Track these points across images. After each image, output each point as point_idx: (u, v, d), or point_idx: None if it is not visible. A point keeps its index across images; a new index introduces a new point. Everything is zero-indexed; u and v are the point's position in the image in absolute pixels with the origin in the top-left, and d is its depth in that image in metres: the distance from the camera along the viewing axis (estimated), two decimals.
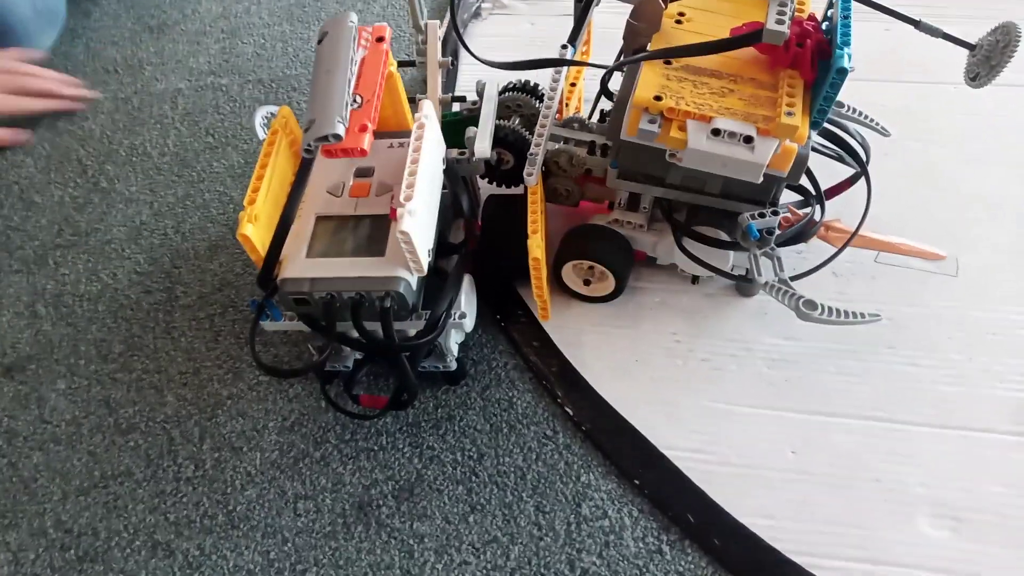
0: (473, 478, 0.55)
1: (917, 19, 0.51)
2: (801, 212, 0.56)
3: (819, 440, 0.54)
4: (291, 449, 0.57)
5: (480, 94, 0.58)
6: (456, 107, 0.62)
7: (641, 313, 0.62)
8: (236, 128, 0.81)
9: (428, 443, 0.57)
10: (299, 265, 0.48)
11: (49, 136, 0.82)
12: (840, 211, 0.59)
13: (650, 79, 0.50)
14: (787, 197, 0.56)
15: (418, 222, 0.45)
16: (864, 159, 0.58)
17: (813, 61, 0.48)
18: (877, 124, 0.63)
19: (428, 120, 0.48)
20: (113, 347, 0.64)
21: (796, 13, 0.52)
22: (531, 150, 0.54)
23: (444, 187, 0.54)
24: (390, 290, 0.46)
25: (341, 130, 0.43)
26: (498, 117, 0.58)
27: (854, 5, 0.49)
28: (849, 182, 0.59)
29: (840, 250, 0.56)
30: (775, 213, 0.51)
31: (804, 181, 0.55)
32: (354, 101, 0.45)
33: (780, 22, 0.45)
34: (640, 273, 0.63)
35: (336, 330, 0.48)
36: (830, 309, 0.52)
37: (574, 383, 0.58)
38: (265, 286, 0.48)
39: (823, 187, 0.58)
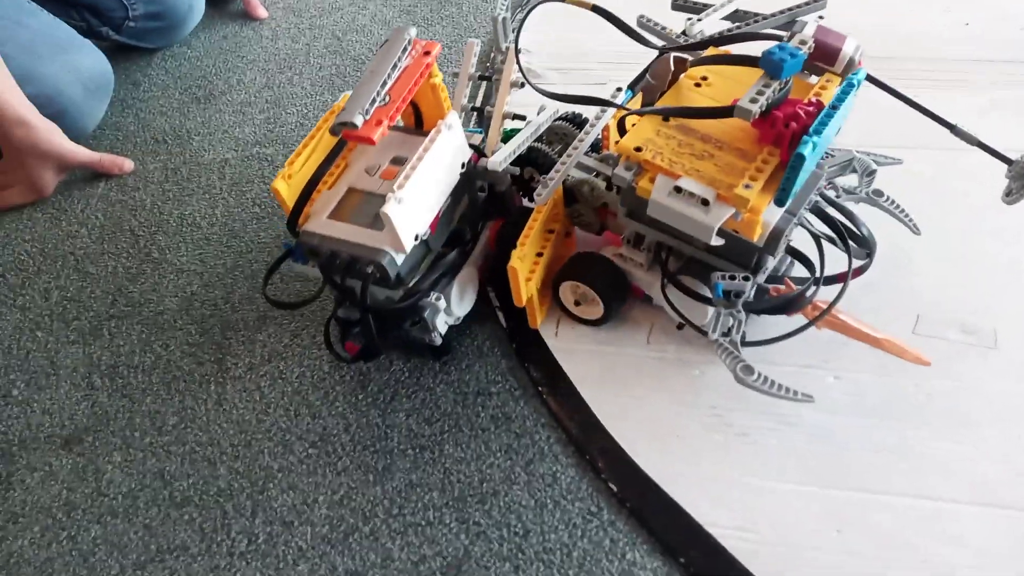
0: (520, 555, 0.56)
1: (953, 123, 0.52)
2: (796, 287, 0.58)
3: (863, 519, 0.55)
4: (341, 523, 0.59)
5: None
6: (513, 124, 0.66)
7: (680, 385, 0.63)
8: None
9: (474, 518, 0.58)
10: (318, 222, 0.56)
11: (103, 207, 0.86)
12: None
13: (641, 131, 0.54)
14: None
15: (404, 209, 0.52)
16: (870, 250, 0.59)
17: (793, 142, 0.50)
18: (910, 220, 0.64)
19: (447, 128, 0.55)
20: (167, 419, 0.66)
21: (817, 94, 0.54)
22: (550, 174, 0.58)
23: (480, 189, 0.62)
24: (374, 260, 0.54)
25: (359, 121, 0.51)
26: (545, 141, 0.65)
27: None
28: (857, 272, 0.59)
29: (807, 326, 0.58)
30: (746, 279, 0.53)
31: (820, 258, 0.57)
32: (384, 99, 0.53)
33: (754, 101, 0.47)
34: (680, 344, 0.64)
35: (339, 282, 0.56)
36: (765, 379, 0.55)
37: (617, 458, 0.59)
38: (291, 231, 0.57)
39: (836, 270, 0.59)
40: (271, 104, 0.96)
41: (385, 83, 0.53)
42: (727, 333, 0.58)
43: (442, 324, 0.62)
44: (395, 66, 0.54)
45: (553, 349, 0.66)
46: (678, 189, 0.51)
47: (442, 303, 0.59)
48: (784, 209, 0.52)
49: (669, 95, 0.58)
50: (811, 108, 0.50)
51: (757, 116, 0.48)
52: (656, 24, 0.65)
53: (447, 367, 0.66)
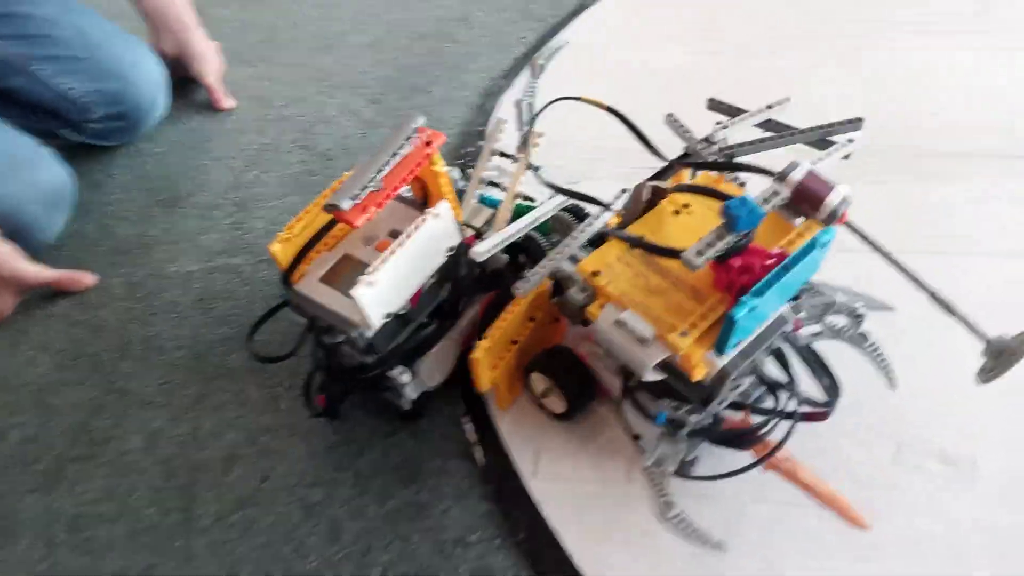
0: None
1: (932, 290, 0.51)
2: (752, 422, 0.57)
3: None
4: None
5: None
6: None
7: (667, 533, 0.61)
8: (250, 316, 0.81)
9: None
10: (309, 284, 0.59)
11: (63, 329, 0.83)
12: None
13: (604, 254, 0.55)
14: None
15: (376, 291, 0.54)
16: (833, 399, 0.58)
17: (739, 294, 0.48)
18: (889, 370, 0.63)
19: (434, 217, 0.57)
20: None
21: (792, 240, 0.53)
22: (534, 268, 0.58)
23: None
24: (346, 330, 0.57)
25: (347, 205, 0.52)
26: (546, 230, 0.66)
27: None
28: (813, 416, 0.59)
29: (750, 466, 0.57)
30: (690, 412, 0.54)
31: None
32: (377, 185, 0.54)
33: (699, 253, 0.47)
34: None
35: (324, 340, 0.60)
36: (683, 520, 0.57)
37: None
38: (285, 286, 0.61)
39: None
40: (237, 207, 0.93)
41: (382, 169, 0.54)
42: (659, 463, 0.57)
43: (412, 392, 0.64)
44: (395, 153, 0.55)
45: (532, 491, 0.64)
46: (620, 322, 0.52)
47: (406, 377, 0.62)
48: (735, 352, 0.51)
49: (646, 219, 0.57)
50: (771, 262, 0.48)
51: (700, 268, 0.47)
52: (683, 126, 0.64)
53: (425, 512, 0.64)
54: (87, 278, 0.86)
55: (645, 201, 0.59)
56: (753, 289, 0.46)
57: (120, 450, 0.72)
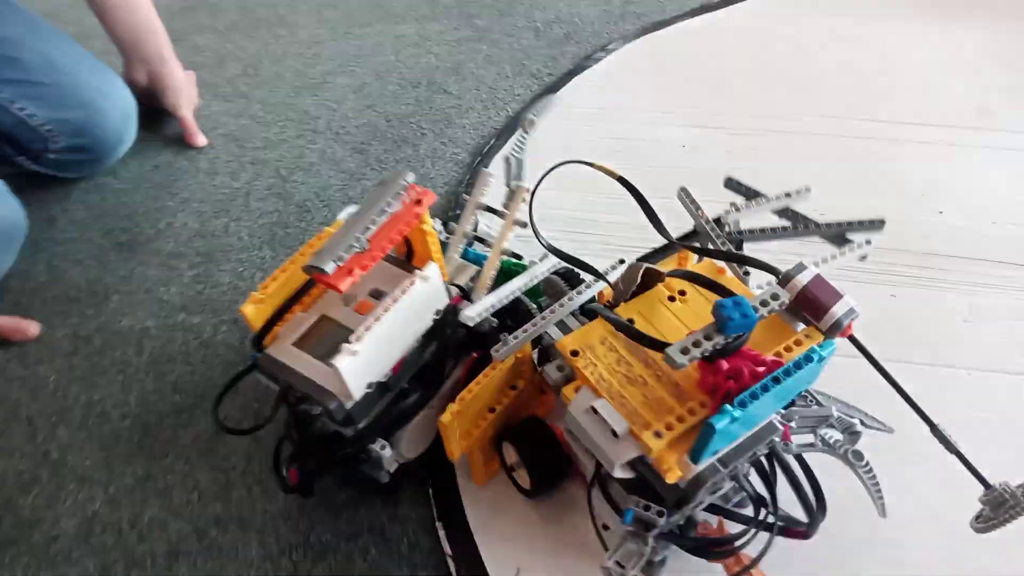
0: None
1: (935, 422, 0.48)
2: (725, 532, 0.54)
3: None
4: None
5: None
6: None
7: None
8: (207, 385, 0.74)
9: None
10: (282, 348, 0.54)
11: None
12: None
13: (588, 333, 0.52)
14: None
15: (359, 361, 0.50)
16: (813, 519, 0.54)
17: (723, 400, 0.45)
18: (880, 499, 0.58)
19: (422, 280, 0.53)
20: None
21: (789, 348, 0.49)
22: (516, 333, 0.55)
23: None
24: (323, 400, 0.52)
25: (330, 268, 0.49)
26: (536, 292, 0.63)
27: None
28: (803, 534, 0.55)
29: None
30: (659, 514, 0.50)
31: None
32: (363, 246, 0.50)
33: (683, 351, 0.44)
34: None
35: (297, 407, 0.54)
36: None
37: None
38: (255, 348, 0.55)
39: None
40: (203, 258, 0.87)
41: (368, 227, 0.51)
42: (621, 565, 0.52)
43: (390, 464, 0.59)
44: (383, 211, 0.51)
45: None
46: (594, 410, 0.48)
47: (387, 452, 0.57)
48: (714, 458, 0.47)
49: (639, 300, 0.54)
50: (762, 369, 0.45)
51: (683, 368, 0.44)
52: (694, 202, 0.60)
53: None
54: (31, 328, 0.79)
55: (639, 281, 0.55)
56: (739, 398, 0.43)
57: (49, 535, 0.65)
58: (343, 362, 0.49)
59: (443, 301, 0.57)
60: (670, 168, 0.71)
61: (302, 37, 1.20)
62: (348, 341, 0.49)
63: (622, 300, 0.54)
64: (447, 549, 0.61)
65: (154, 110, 1.01)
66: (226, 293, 0.83)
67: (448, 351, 0.60)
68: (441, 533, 0.62)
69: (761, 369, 0.45)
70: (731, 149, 0.95)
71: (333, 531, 0.63)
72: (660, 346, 0.47)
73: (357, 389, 0.52)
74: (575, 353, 0.51)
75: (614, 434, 0.47)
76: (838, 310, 0.48)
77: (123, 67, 0.99)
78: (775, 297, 0.47)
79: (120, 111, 0.93)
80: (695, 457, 0.45)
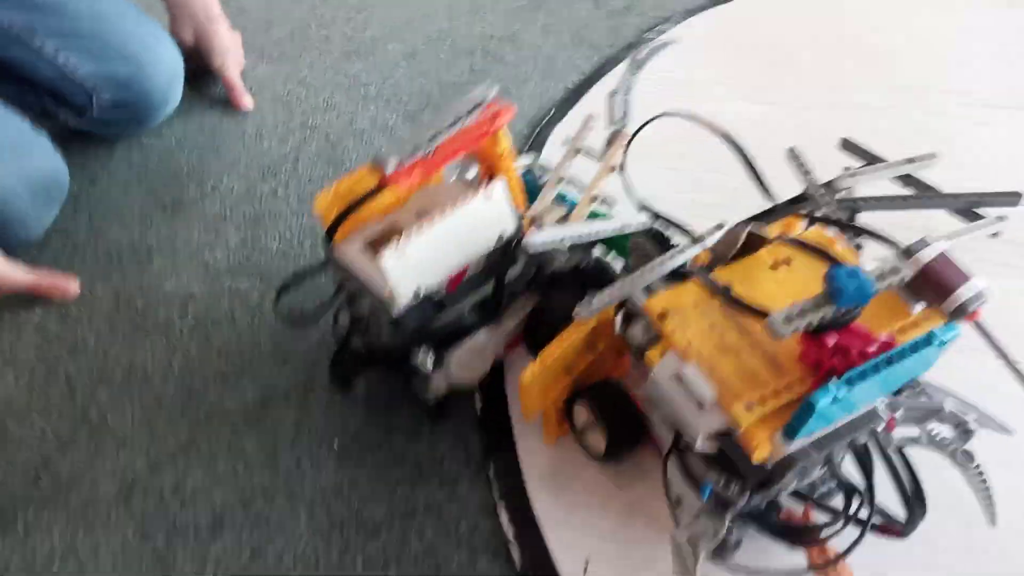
0: None
1: None
2: (813, 520, 0.50)
3: None
4: None
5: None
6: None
7: None
8: (253, 352, 0.71)
9: None
10: (350, 247, 0.55)
11: (36, 343, 0.72)
12: None
13: (679, 295, 0.48)
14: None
15: (404, 264, 0.50)
16: (912, 517, 0.50)
17: (825, 378, 0.41)
18: (991, 505, 0.53)
19: (486, 198, 0.52)
20: None
21: (906, 328, 0.45)
22: (601, 292, 0.50)
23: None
24: (374, 298, 0.53)
25: (390, 166, 0.51)
26: (624, 254, 0.62)
27: None
28: (898, 532, 0.52)
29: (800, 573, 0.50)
30: (742, 492, 0.46)
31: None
32: (428, 152, 0.51)
33: (788, 320, 0.40)
34: None
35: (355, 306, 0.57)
36: None
37: None
38: (327, 239, 0.56)
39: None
40: (250, 222, 0.83)
41: (438, 135, 0.51)
42: (693, 540, 0.48)
43: (438, 383, 0.58)
44: (457, 121, 0.52)
45: None
46: (679, 377, 0.45)
47: (430, 362, 0.56)
48: (809, 440, 0.43)
49: (738, 266, 0.50)
50: (872, 349, 0.41)
51: (784, 339, 0.40)
52: (804, 164, 0.56)
53: None
54: (71, 285, 0.76)
55: (739, 245, 0.51)
56: (845, 376, 0.39)
57: (87, 497, 0.61)
58: (387, 260, 0.49)
59: (509, 226, 0.56)
60: (730, 183, 0.68)
61: (351, 2, 1.16)
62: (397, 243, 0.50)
63: (721, 263, 0.50)
64: (508, 535, 0.57)
65: (200, 70, 0.97)
66: (274, 259, 0.79)
67: (510, 281, 0.58)
68: (503, 517, 0.58)
69: (871, 348, 0.41)
70: (801, 124, 0.90)
71: (388, 508, 0.59)
72: (761, 314, 0.43)
73: (402, 292, 0.52)
74: (664, 315, 0.47)
75: (700, 403, 0.44)
76: (965, 292, 0.44)
77: (168, 25, 0.95)
78: (895, 271, 0.43)
79: (167, 68, 0.89)
80: (790, 435, 0.41)
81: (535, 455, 0.61)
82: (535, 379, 0.52)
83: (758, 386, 0.43)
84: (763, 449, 0.42)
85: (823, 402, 0.38)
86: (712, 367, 0.44)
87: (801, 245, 0.50)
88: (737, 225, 0.51)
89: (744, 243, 0.50)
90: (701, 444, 0.44)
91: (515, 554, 0.56)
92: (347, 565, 0.56)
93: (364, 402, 0.66)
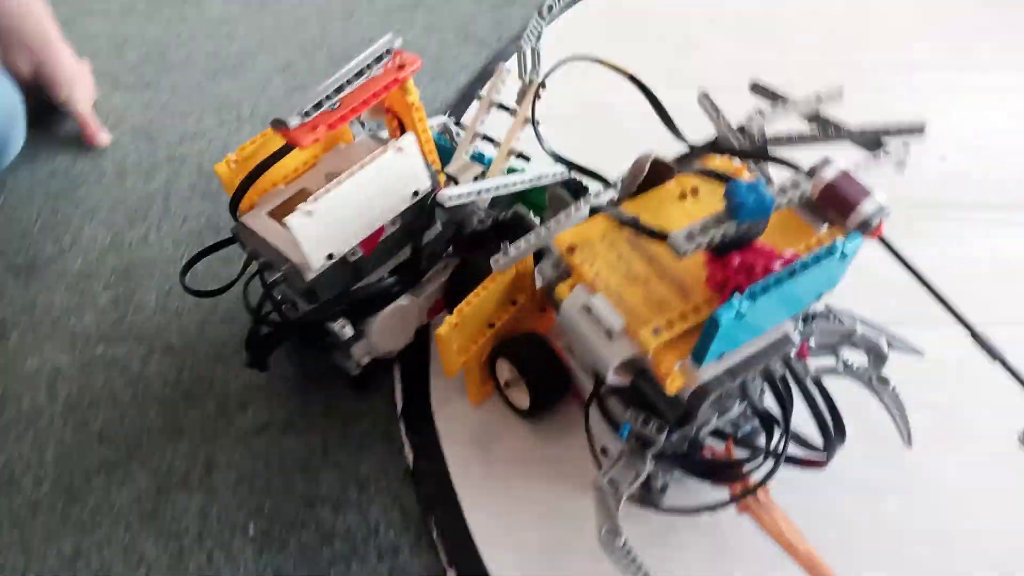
0: None
1: (974, 328, 0.42)
2: (735, 455, 0.50)
3: None
4: None
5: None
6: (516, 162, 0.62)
7: None
8: (141, 432, 0.61)
9: None
10: (255, 217, 0.54)
11: None
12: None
13: (588, 229, 0.48)
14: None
15: (316, 225, 0.48)
16: (831, 444, 0.49)
17: (731, 297, 0.39)
18: (906, 427, 0.54)
19: (396, 150, 0.50)
20: None
21: (811, 246, 0.44)
22: (517, 242, 0.49)
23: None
24: (282, 268, 0.51)
25: (293, 122, 0.48)
26: (541, 205, 0.62)
27: None
28: (818, 463, 0.51)
29: (722, 504, 0.48)
30: (660, 429, 0.46)
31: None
32: (333, 104, 0.49)
33: (689, 237, 0.39)
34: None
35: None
36: (628, 552, 0.44)
37: None
38: (232, 215, 0.55)
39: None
40: (120, 277, 0.73)
41: (342, 88, 0.49)
42: (615, 483, 0.47)
43: (360, 354, 0.57)
44: (360, 72, 0.50)
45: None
46: (588, 307, 0.44)
47: (348, 331, 0.54)
48: (721, 368, 0.43)
49: (647, 197, 0.50)
50: (777, 265, 0.40)
51: (687, 255, 0.39)
52: (716, 108, 0.55)
53: None
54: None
55: (644, 176, 0.50)
56: (748, 290, 0.38)
57: None
58: (296, 221, 0.47)
59: (423, 182, 0.54)
60: (642, 131, 0.64)
61: (211, 15, 1.06)
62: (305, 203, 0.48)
63: (628, 196, 0.50)
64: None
65: (43, 106, 0.85)
66: (153, 316, 0.70)
67: (427, 242, 0.57)
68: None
69: (776, 265, 0.40)
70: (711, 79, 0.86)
71: None
72: (664, 237, 0.42)
73: (315, 254, 0.50)
74: (572, 249, 0.47)
75: (609, 333, 0.44)
76: (866, 207, 0.43)
77: (0, 55, 0.83)
78: (796, 185, 0.42)
79: (2, 107, 0.77)
80: (698, 358, 0.41)
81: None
82: (452, 332, 0.51)
83: (665, 311, 0.43)
84: (676, 379, 0.42)
85: (726, 317, 0.37)
86: (620, 297, 0.45)
87: (708, 174, 0.49)
88: (643, 154, 0.49)
89: (651, 175, 0.49)
90: (612, 377, 0.44)
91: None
92: None
93: (278, 466, 0.58)
